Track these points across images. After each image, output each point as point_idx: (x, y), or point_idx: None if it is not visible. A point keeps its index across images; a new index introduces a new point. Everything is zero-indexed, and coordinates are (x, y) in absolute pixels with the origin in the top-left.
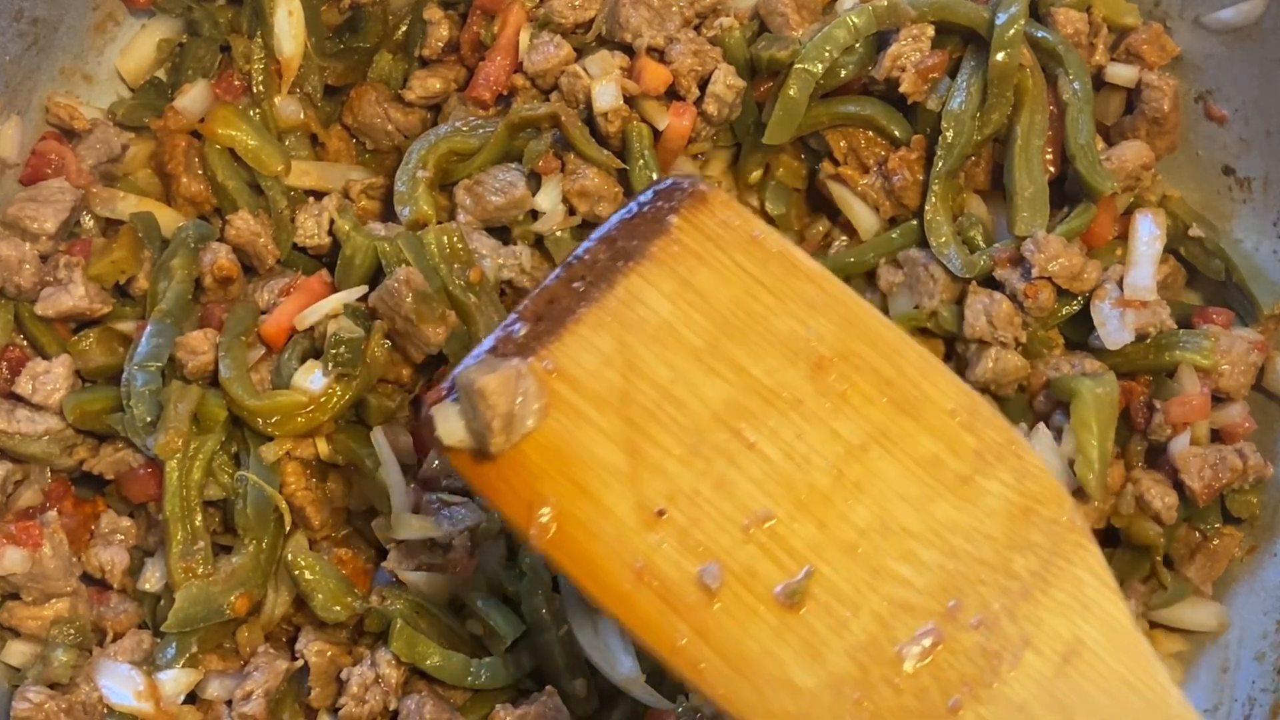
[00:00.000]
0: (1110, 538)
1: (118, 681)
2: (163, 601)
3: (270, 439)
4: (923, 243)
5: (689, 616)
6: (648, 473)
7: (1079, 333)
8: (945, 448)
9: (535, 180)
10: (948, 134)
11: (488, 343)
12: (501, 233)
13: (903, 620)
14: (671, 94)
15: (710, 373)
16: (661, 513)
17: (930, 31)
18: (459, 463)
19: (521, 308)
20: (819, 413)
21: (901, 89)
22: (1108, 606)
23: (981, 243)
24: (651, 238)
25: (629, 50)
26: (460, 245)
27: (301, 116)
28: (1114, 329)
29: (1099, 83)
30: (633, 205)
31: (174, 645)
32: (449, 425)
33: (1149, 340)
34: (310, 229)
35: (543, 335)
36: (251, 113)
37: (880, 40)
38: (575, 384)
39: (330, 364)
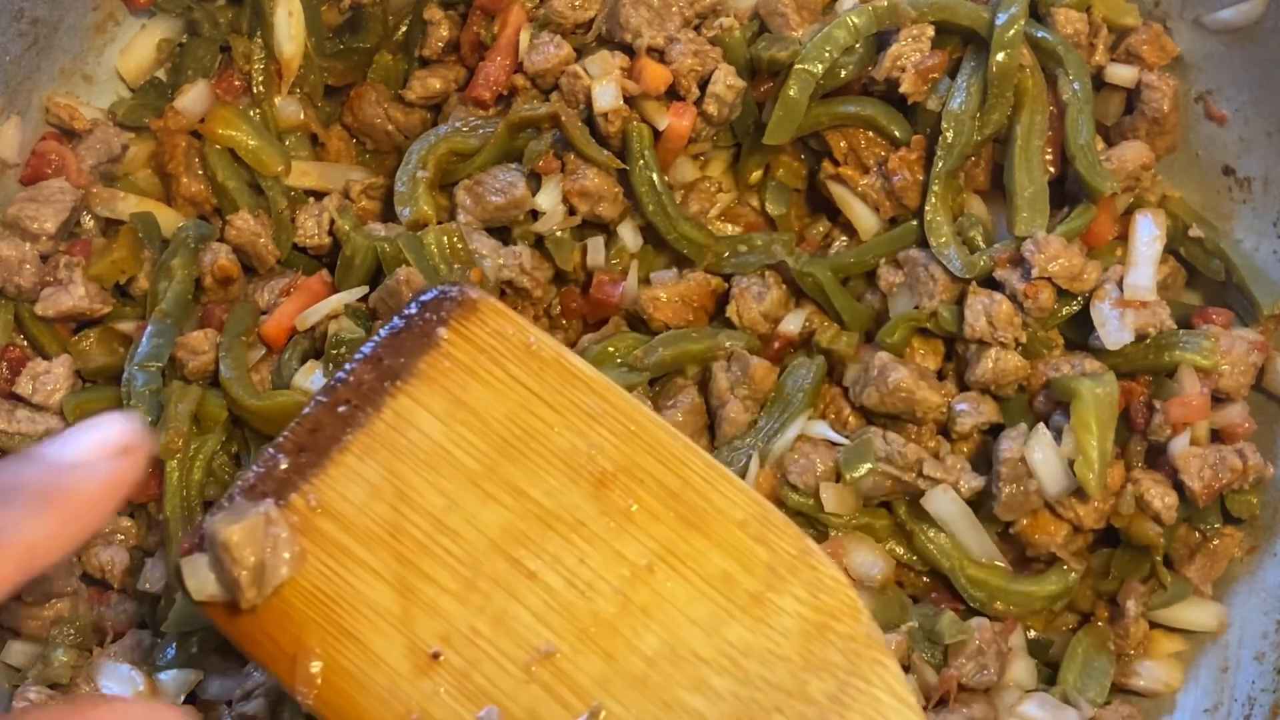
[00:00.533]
0: (1110, 538)
1: (118, 681)
2: (163, 601)
3: (271, 439)
4: (923, 243)
5: None
6: (421, 612)
7: (1079, 333)
8: (736, 563)
9: (535, 180)
10: (948, 134)
11: (248, 478)
12: (501, 233)
13: None
14: (671, 94)
15: (487, 498)
16: (437, 655)
17: (930, 32)
18: (215, 616)
19: (282, 439)
20: (603, 534)
21: (901, 89)
22: None
23: (981, 243)
24: (420, 353)
25: (629, 50)
26: (460, 245)
27: (301, 116)
28: (1114, 329)
29: (1099, 83)
30: (397, 320)
31: (174, 645)
32: (198, 579)
33: (1149, 340)
34: (310, 229)
35: (305, 468)
36: (251, 113)
37: (880, 40)
38: (341, 520)
39: (331, 364)
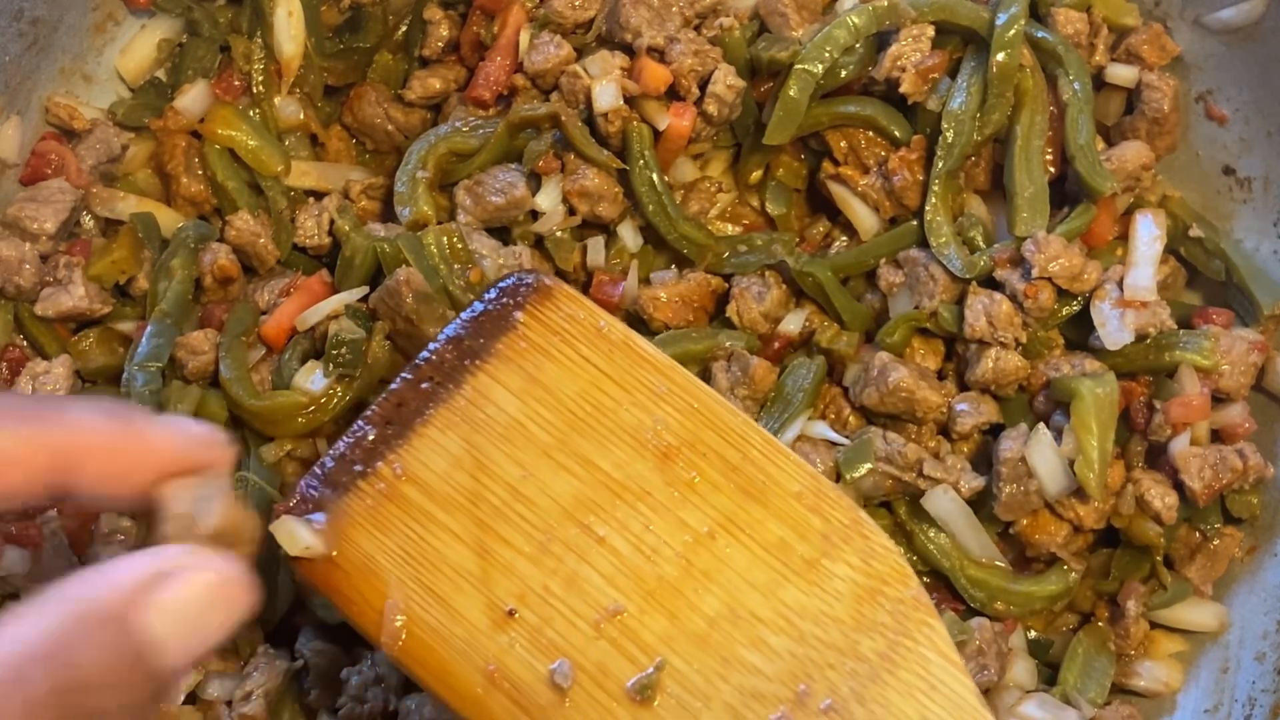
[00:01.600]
0: (1110, 538)
1: None
2: None
3: (271, 440)
4: (923, 243)
5: (540, 717)
6: (498, 573)
7: (1079, 333)
8: (792, 532)
9: (535, 180)
10: (948, 134)
11: (338, 448)
12: (501, 233)
13: (754, 709)
14: (671, 94)
15: (559, 469)
16: (512, 613)
17: (930, 32)
18: (309, 572)
19: (370, 413)
20: (667, 503)
21: (901, 89)
22: (954, 685)
23: (981, 243)
24: (498, 335)
25: (629, 50)
26: (460, 245)
27: (301, 116)
28: (1114, 329)
29: (1099, 83)
30: (478, 304)
31: None
32: (287, 535)
33: (1149, 340)
34: (310, 229)
35: (391, 439)
36: (251, 113)
37: (880, 40)
38: (425, 487)
39: (331, 365)
